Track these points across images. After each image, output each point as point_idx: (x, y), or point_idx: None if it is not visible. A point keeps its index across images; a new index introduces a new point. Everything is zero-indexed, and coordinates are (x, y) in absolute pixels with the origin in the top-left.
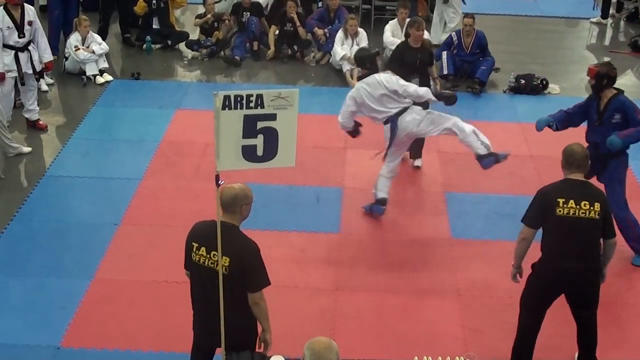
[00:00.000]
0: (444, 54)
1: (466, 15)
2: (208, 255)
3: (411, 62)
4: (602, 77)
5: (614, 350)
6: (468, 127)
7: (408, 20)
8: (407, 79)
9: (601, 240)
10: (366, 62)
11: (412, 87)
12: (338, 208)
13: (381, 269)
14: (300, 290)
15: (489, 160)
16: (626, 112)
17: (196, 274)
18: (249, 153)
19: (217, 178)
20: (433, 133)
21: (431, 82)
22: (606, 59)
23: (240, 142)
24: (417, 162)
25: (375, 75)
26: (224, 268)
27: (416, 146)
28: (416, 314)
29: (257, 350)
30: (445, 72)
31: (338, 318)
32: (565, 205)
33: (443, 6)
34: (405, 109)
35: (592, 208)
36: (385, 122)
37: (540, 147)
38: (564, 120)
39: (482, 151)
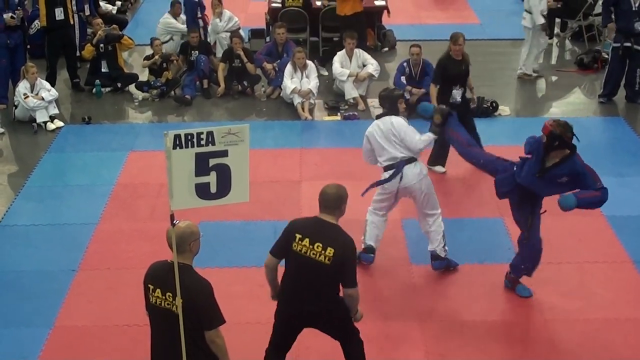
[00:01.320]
0: (403, 79)
1: (413, 45)
2: (164, 297)
3: (455, 73)
4: (555, 139)
5: None
6: (442, 227)
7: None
8: (451, 89)
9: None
10: (387, 103)
11: (415, 142)
12: None
13: None
14: (262, 326)
15: (441, 263)
16: (580, 178)
17: (154, 316)
18: (202, 191)
19: (172, 218)
20: (422, 208)
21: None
22: (554, 78)
23: (194, 181)
24: (439, 169)
25: (392, 117)
26: (178, 309)
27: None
28: (380, 342)
29: None
30: (408, 97)
31: (302, 350)
32: (300, 242)
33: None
34: (413, 159)
35: (323, 252)
36: (388, 168)
37: None
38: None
39: (442, 253)
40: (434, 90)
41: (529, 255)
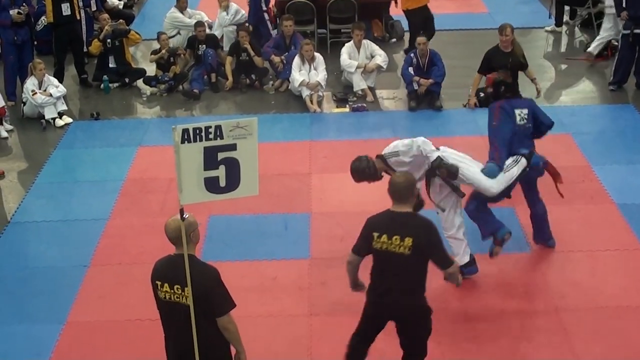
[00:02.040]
0: (410, 70)
1: (419, 35)
2: (172, 290)
3: (500, 65)
4: (500, 84)
5: None
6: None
7: None
8: None
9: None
10: (363, 177)
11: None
12: (307, 233)
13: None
14: (274, 319)
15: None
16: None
17: (165, 310)
18: (211, 185)
19: (182, 212)
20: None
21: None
22: (563, 66)
23: (202, 175)
24: None
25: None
26: (187, 300)
27: None
28: (393, 332)
29: None
30: (416, 87)
31: (315, 343)
32: (378, 239)
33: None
34: None
35: (402, 243)
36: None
37: None
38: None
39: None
40: (477, 79)
41: None
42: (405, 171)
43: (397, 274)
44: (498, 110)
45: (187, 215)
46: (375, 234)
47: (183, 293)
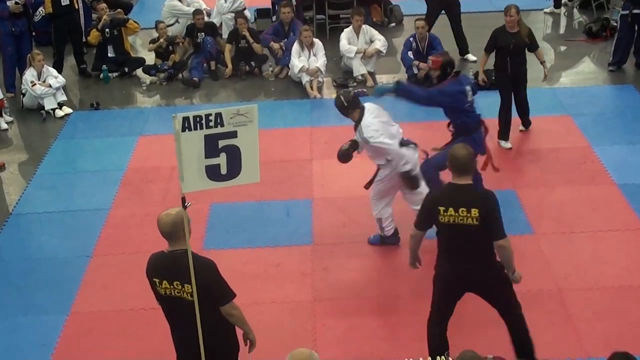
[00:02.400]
0: (410, 54)
1: (418, 19)
2: (171, 286)
3: (505, 45)
4: (446, 66)
5: None
6: None
7: None
8: (505, 60)
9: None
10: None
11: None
12: (309, 219)
13: (357, 276)
14: (278, 305)
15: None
16: None
17: (167, 305)
18: (213, 173)
19: (184, 200)
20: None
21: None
22: (562, 48)
23: (204, 163)
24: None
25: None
26: (189, 295)
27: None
28: (396, 318)
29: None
30: (416, 71)
31: (319, 328)
32: (445, 213)
33: None
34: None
35: (469, 215)
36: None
37: (513, 141)
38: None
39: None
40: (484, 58)
41: None
42: (463, 145)
43: (468, 245)
44: (450, 80)
45: (189, 204)
46: (441, 208)
47: (183, 288)
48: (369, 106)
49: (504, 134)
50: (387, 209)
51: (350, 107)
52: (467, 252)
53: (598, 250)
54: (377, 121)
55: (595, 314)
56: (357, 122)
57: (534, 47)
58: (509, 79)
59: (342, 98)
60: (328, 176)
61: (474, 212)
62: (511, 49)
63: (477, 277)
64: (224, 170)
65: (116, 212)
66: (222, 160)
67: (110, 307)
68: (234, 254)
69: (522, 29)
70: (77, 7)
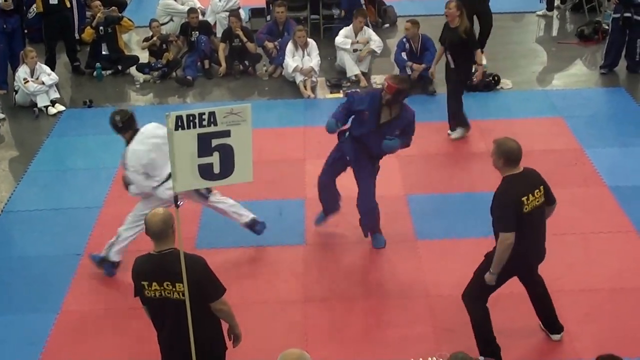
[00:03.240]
0: (404, 55)
1: (407, 21)
2: (162, 287)
3: (447, 40)
4: (400, 94)
5: None
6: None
7: None
8: (447, 54)
9: None
10: None
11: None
12: (302, 219)
13: (349, 276)
14: (270, 305)
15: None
16: (410, 127)
17: (154, 306)
18: (206, 171)
19: (176, 199)
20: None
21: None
22: (555, 50)
23: (197, 162)
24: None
25: None
26: (181, 294)
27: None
28: (387, 318)
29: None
30: (409, 72)
31: (310, 329)
32: (528, 201)
33: None
34: None
35: (541, 193)
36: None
37: None
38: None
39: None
40: (440, 51)
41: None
42: (511, 137)
43: (539, 225)
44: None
45: (181, 203)
46: (524, 199)
47: (174, 288)
48: (146, 130)
49: (450, 124)
50: None
51: (124, 129)
52: (538, 232)
53: (589, 253)
54: (144, 150)
55: (587, 316)
56: (127, 144)
57: (473, 45)
58: (454, 71)
59: (117, 118)
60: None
61: (542, 189)
62: (447, 44)
63: (541, 255)
64: (216, 169)
65: (108, 211)
66: (215, 159)
67: (101, 306)
68: (225, 254)
69: (461, 25)
70: (69, 5)
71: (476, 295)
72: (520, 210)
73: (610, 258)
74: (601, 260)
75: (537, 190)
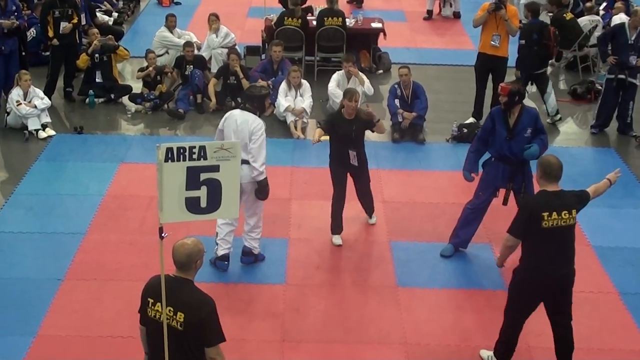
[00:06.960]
0: (397, 102)
1: (401, 67)
2: (162, 311)
3: (342, 132)
4: (515, 94)
5: None
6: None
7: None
8: (346, 149)
9: None
10: (255, 101)
11: (258, 163)
12: (284, 259)
13: (328, 319)
14: (247, 343)
15: (249, 259)
16: (538, 123)
17: (152, 329)
18: (192, 205)
19: (161, 230)
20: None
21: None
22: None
23: (184, 194)
24: (371, 220)
25: (253, 116)
26: (179, 324)
27: (366, 203)
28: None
29: None
30: (400, 119)
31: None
32: (549, 218)
33: None
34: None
35: (570, 216)
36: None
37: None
38: (478, 159)
39: (255, 251)
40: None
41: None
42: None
43: (564, 246)
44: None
45: (165, 235)
46: (545, 214)
47: (174, 316)
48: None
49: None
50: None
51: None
52: (562, 252)
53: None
54: None
55: None
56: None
57: (373, 125)
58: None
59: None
60: (306, 217)
61: (574, 212)
62: (350, 139)
63: (566, 279)
64: (203, 203)
65: (91, 237)
66: (202, 193)
67: (78, 332)
68: (205, 288)
69: (359, 113)
70: (77, 41)
71: (507, 310)
72: (538, 223)
73: (591, 318)
74: (581, 320)
75: (566, 212)
